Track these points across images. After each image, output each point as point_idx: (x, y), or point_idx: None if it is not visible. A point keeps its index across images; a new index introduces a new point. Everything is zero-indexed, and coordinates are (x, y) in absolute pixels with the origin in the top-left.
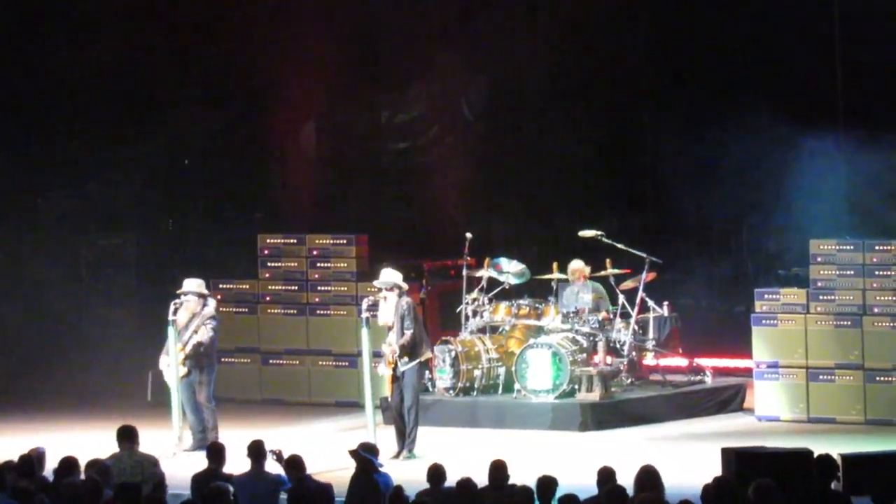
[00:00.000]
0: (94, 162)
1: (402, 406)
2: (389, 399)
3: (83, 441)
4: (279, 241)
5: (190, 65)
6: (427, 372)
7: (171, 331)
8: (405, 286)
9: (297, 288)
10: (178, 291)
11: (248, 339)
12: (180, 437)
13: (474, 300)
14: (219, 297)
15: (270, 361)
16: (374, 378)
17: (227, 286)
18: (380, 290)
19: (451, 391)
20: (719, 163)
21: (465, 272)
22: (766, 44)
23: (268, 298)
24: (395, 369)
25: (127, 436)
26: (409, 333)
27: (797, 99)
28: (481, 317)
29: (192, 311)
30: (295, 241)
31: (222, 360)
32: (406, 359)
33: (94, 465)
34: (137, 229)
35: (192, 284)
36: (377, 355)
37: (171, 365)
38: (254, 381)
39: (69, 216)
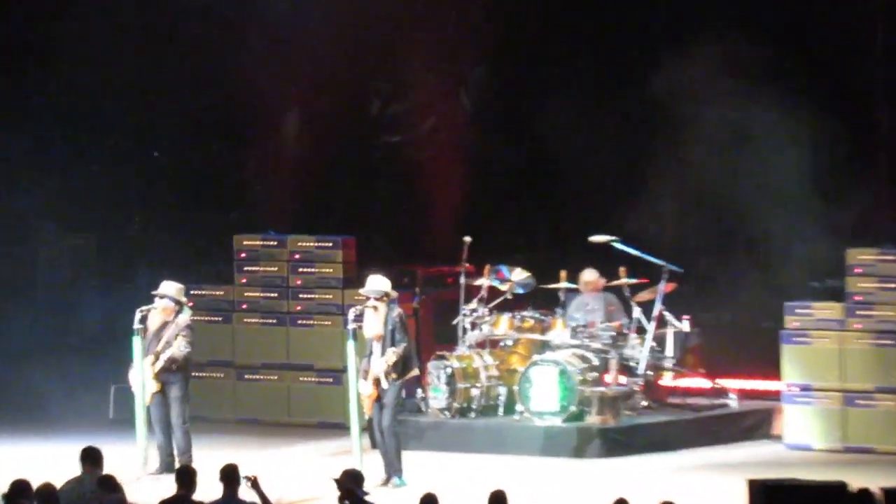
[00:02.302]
0: (50, 153)
1: (381, 426)
2: (372, 419)
3: (38, 462)
4: (257, 242)
5: (163, 44)
6: (420, 390)
7: (136, 341)
8: (395, 295)
9: (276, 295)
10: (154, 293)
11: (221, 352)
12: (146, 459)
13: (473, 311)
14: (190, 304)
15: (246, 377)
16: (361, 397)
17: (199, 292)
18: (367, 298)
19: (447, 412)
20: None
21: (462, 280)
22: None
23: (244, 306)
24: (377, 386)
25: (91, 458)
26: (402, 347)
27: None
28: (480, 330)
29: (165, 318)
30: (275, 243)
31: (193, 374)
32: (393, 375)
33: (40, 491)
34: (99, 228)
35: (171, 289)
36: (365, 371)
37: (139, 378)
38: (227, 399)
39: (22, 214)
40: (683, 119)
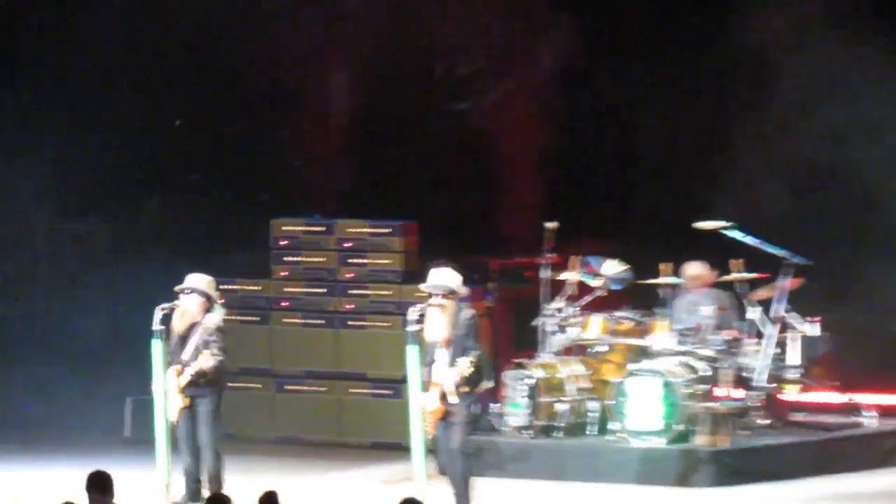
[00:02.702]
0: (48, 120)
1: (448, 447)
2: (439, 440)
3: (38, 489)
4: (299, 228)
5: None
6: (495, 405)
7: (156, 346)
8: (465, 291)
9: (323, 291)
10: (177, 288)
11: (257, 358)
12: (168, 486)
13: (558, 311)
14: (221, 300)
15: (287, 388)
16: (425, 413)
17: (230, 288)
18: (431, 295)
19: (527, 431)
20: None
21: (545, 274)
22: None
23: (284, 304)
24: (444, 400)
25: (98, 485)
26: (475, 355)
27: None
28: (567, 333)
29: (192, 318)
30: (321, 228)
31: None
32: (464, 388)
33: None
34: (111, 212)
35: (200, 281)
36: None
37: (160, 389)
38: (265, 414)
39: (21, 195)
40: (778, 77)
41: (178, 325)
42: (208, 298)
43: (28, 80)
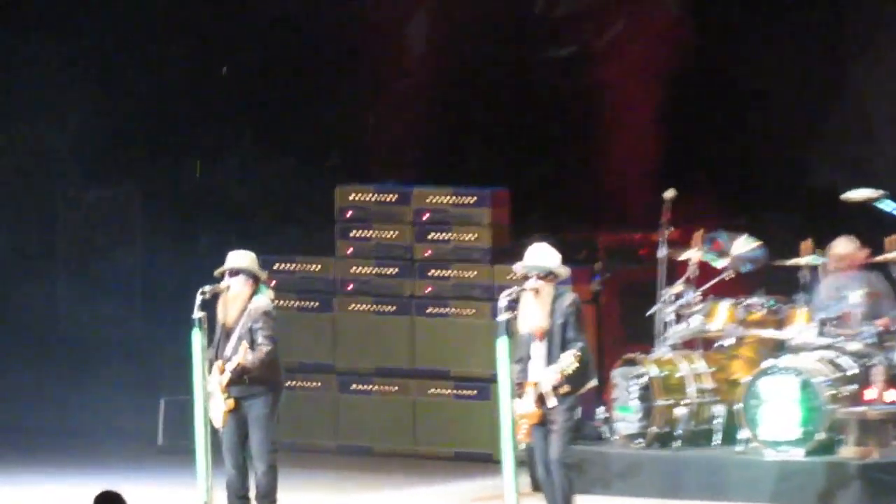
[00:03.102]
0: (76, 68)
1: (546, 459)
2: (535, 450)
3: None
4: (369, 196)
5: None
6: (602, 409)
7: (196, 336)
8: (567, 273)
9: (395, 271)
10: (218, 271)
11: (317, 352)
12: (208, 502)
13: (677, 297)
14: (272, 282)
15: (353, 387)
16: (517, 418)
17: (285, 267)
18: (527, 278)
19: (640, 440)
20: None
21: (662, 252)
22: None
23: (349, 287)
24: (541, 403)
25: None
26: (578, 349)
27: None
28: (688, 324)
29: (243, 304)
30: (394, 197)
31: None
32: (565, 388)
33: None
34: (145, 176)
35: (244, 259)
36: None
37: (201, 389)
38: (326, 418)
39: (37, 156)
40: None
41: (223, 313)
42: (255, 279)
43: (55, 28)
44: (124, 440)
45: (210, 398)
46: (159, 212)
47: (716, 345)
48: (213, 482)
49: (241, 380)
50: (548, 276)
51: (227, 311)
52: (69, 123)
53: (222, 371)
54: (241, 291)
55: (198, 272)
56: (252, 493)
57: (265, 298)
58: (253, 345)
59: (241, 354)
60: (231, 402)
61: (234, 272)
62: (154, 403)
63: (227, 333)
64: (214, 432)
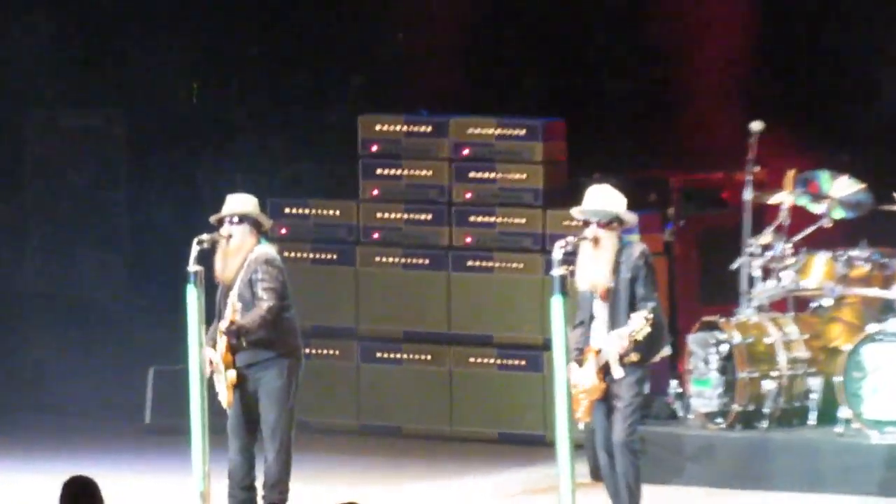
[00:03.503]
0: None
1: (608, 442)
2: (595, 431)
3: (34, 498)
4: (399, 127)
5: None
6: (675, 383)
7: (192, 293)
8: (634, 220)
9: (429, 218)
10: (213, 218)
11: (335, 314)
12: (205, 494)
13: (765, 249)
14: (283, 231)
15: (378, 355)
16: (575, 393)
17: (298, 212)
18: (586, 225)
19: (720, 419)
20: None
21: (748, 196)
22: None
23: (375, 236)
24: (604, 375)
25: (75, 499)
26: (648, 311)
27: None
28: (779, 280)
29: (246, 256)
30: (429, 128)
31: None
32: (633, 356)
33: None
34: (130, 99)
35: (246, 204)
36: (578, 350)
37: (196, 357)
38: (347, 392)
39: (2, 74)
40: None
41: (222, 268)
42: (258, 227)
43: None
44: (105, 417)
45: (215, 371)
46: (147, 143)
47: (811, 306)
48: (210, 468)
49: (238, 344)
50: (611, 222)
51: (226, 264)
52: (39, 33)
53: (223, 333)
54: (243, 243)
55: (194, 215)
56: (259, 482)
57: (269, 247)
58: (253, 301)
59: (229, 311)
60: (233, 375)
61: (236, 219)
62: (141, 373)
63: (227, 292)
64: (215, 409)
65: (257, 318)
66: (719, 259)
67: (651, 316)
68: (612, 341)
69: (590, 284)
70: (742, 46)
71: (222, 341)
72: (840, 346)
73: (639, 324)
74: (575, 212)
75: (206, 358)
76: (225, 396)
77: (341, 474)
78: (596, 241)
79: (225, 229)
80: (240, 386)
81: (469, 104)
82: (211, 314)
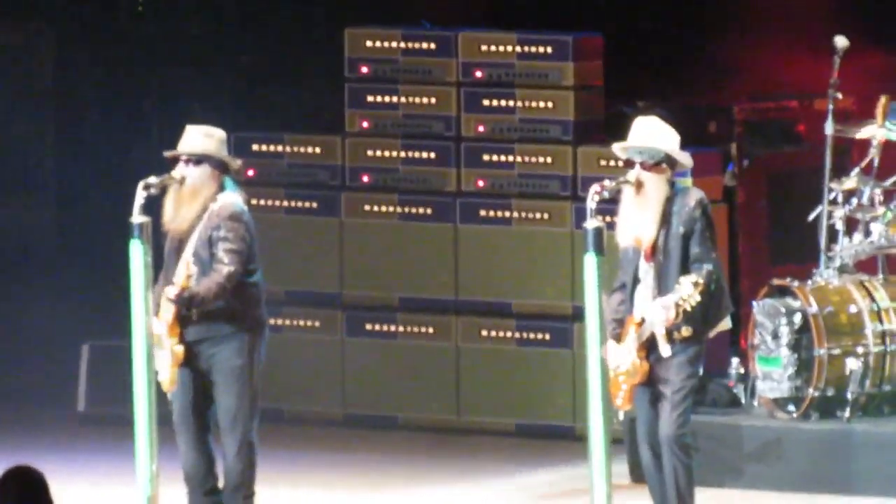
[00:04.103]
0: None
1: (654, 435)
2: (637, 423)
3: None
4: (395, 43)
5: None
6: (737, 361)
7: (135, 250)
8: (688, 161)
9: (433, 156)
10: (169, 154)
11: (315, 276)
12: (152, 499)
13: (849, 196)
14: (250, 173)
15: (368, 327)
16: (612, 375)
17: (269, 149)
18: (628, 165)
19: (792, 407)
20: None
21: (829, 129)
22: None
23: (365, 179)
24: (648, 353)
25: (16, 495)
26: (705, 271)
27: None
28: (866, 234)
29: (204, 203)
30: (432, 45)
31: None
32: (686, 330)
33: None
34: (62, 10)
35: (208, 141)
36: (617, 322)
37: (141, 327)
38: (330, 374)
39: None
40: None
41: (174, 217)
42: (223, 169)
43: None
44: (28, 404)
45: (156, 345)
46: (82, 63)
47: None
48: (159, 467)
49: (189, 315)
50: (660, 163)
51: (178, 213)
52: None
53: (174, 298)
54: (201, 187)
55: (139, 153)
56: (221, 483)
57: (235, 197)
58: (211, 263)
59: (181, 274)
60: (180, 350)
61: (194, 159)
62: (73, 350)
63: (179, 248)
64: (165, 394)
65: (214, 286)
66: (793, 208)
67: (703, 281)
68: (655, 312)
69: (633, 240)
70: None
71: (169, 309)
72: None
73: (687, 290)
74: (616, 148)
75: (150, 329)
76: (167, 377)
77: (322, 475)
78: (640, 185)
79: (179, 170)
80: (188, 365)
81: (482, 15)
82: (156, 275)
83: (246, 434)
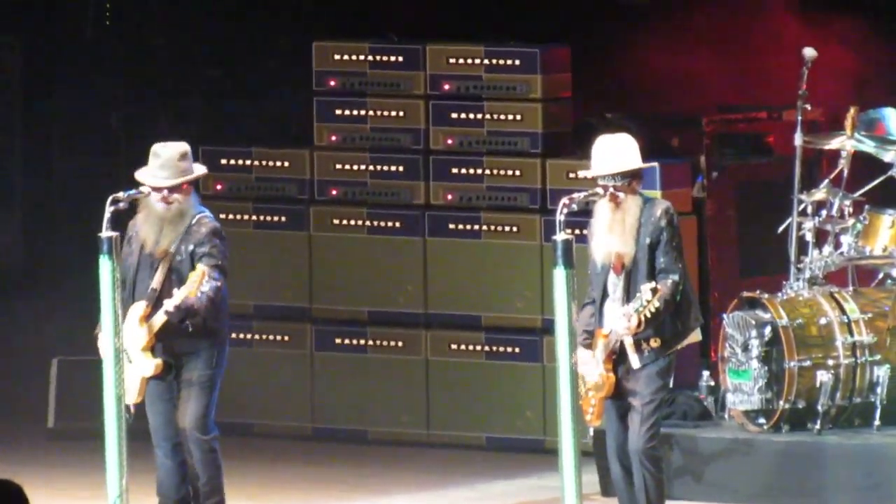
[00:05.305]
0: None
1: (623, 449)
2: (606, 437)
3: None
4: (363, 55)
5: None
6: (706, 374)
7: (105, 266)
8: (650, 165)
9: (401, 169)
10: (138, 174)
11: (283, 291)
12: None
13: (820, 206)
14: (218, 187)
15: (337, 342)
16: (582, 388)
17: (237, 163)
18: (602, 182)
19: (763, 419)
20: None
21: (799, 140)
22: None
23: (333, 193)
24: (615, 366)
25: None
26: (671, 283)
27: None
28: (835, 247)
29: (170, 217)
30: (400, 58)
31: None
32: (654, 341)
33: None
34: (28, 20)
35: (187, 163)
36: (588, 333)
37: (109, 342)
38: (297, 388)
39: None
40: None
41: (159, 239)
42: (194, 185)
43: None
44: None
45: (126, 357)
46: (49, 74)
47: (878, 279)
48: (128, 483)
49: (178, 326)
50: (630, 181)
51: (163, 235)
52: None
53: (145, 316)
54: (188, 208)
55: (106, 167)
56: (192, 494)
57: (207, 212)
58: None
59: (189, 287)
60: (159, 364)
61: (173, 188)
62: (42, 366)
63: (152, 263)
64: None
65: (205, 300)
66: (762, 220)
67: (669, 290)
68: (618, 322)
69: (604, 252)
70: None
71: (143, 326)
72: None
73: (646, 297)
74: (588, 174)
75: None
76: (135, 392)
77: (291, 489)
78: (613, 201)
79: (149, 181)
80: (160, 377)
81: (450, 28)
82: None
83: (210, 442)
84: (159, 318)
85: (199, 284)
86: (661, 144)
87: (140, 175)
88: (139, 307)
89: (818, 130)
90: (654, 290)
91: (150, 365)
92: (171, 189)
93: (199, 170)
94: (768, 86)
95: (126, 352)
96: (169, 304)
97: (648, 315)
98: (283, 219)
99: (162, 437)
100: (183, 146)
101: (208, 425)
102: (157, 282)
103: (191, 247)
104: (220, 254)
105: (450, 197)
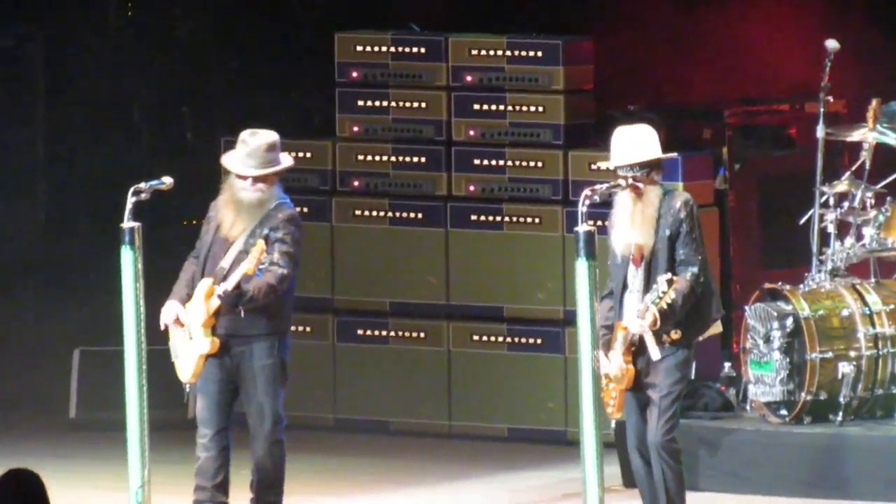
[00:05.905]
0: None
1: (643, 441)
2: (627, 429)
3: None
4: (385, 47)
5: None
6: (728, 366)
7: (127, 257)
8: (670, 156)
9: (423, 160)
10: (225, 159)
11: (306, 282)
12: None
13: (842, 198)
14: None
15: (359, 333)
16: (604, 381)
17: None
18: (622, 173)
19: (784, 411)
20: None
21: (821, 132)
22: None
23: (355, 184)
24: (634, 357)
25: (15, 496)
26: (690, 275)
27: None
28: (858, 238)
29: (254, 211)
30: (422, 49)
31: None
32: (675, 333)
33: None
34: (51, 12)
35: (263, 151)
36: (607, 328)
37: (133, 329)
38: (320, 379)
39: None
40: None
41: (234, 223)
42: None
43: None
44: (19, 410)
45: (184, 335)
46: (72, 66)
47: None
48: (150, 473)
49: (233, 309)
50: (651, 170)
51: (238, 220)
52: None
53: (209, 295)
54: (269, 198)
55: (129, 158)
56: (238, 482)
57: (286, 198)
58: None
59: (247, 264)
60: (215, 341)
61: (258, 178)
62: (65, 356)
63: (226, 246)
64: (154, 402)
65: (265, 286)
66: (784, 212)
67: (690, 282)
68: (635, 315)
69: (624, 244)
70: None
71: (206, 302)
72: None
73: (662, 289)
74: (608, 164)
75: (172, 314)
76: (190, 368)
77: (313, 480)
78: (634, 191)
79: (240, 182)
80: (216, 358)
81: (472, 19)
82: (150, 279)
83: (276, 434)
84: (215, 301)
85: (258, 260)
86: (684, 136)
87: (226, 160)
88: (205, 283)
89: (840, 122)
90: (671, 282)
91: (206, 343)
92: (256, 178)
93: (286, 161)
94: (790, 76)
95: (188, 327)
96: (225, 286)
97: (665, 307)
98: (306, 210)
99: (209, 422)
100: (272, 136)
101: (273, 419)
102: (227, 261)
103: (266, 231)
104: (293, 241)
105: (472, 188)
